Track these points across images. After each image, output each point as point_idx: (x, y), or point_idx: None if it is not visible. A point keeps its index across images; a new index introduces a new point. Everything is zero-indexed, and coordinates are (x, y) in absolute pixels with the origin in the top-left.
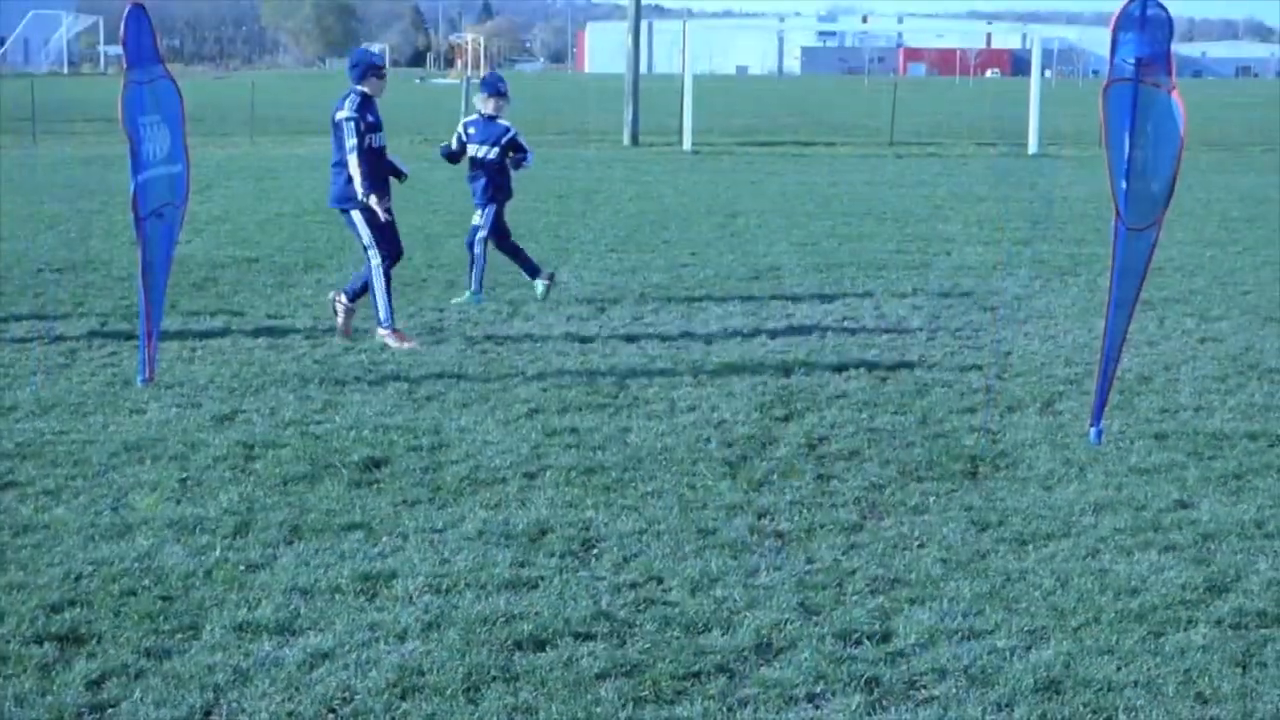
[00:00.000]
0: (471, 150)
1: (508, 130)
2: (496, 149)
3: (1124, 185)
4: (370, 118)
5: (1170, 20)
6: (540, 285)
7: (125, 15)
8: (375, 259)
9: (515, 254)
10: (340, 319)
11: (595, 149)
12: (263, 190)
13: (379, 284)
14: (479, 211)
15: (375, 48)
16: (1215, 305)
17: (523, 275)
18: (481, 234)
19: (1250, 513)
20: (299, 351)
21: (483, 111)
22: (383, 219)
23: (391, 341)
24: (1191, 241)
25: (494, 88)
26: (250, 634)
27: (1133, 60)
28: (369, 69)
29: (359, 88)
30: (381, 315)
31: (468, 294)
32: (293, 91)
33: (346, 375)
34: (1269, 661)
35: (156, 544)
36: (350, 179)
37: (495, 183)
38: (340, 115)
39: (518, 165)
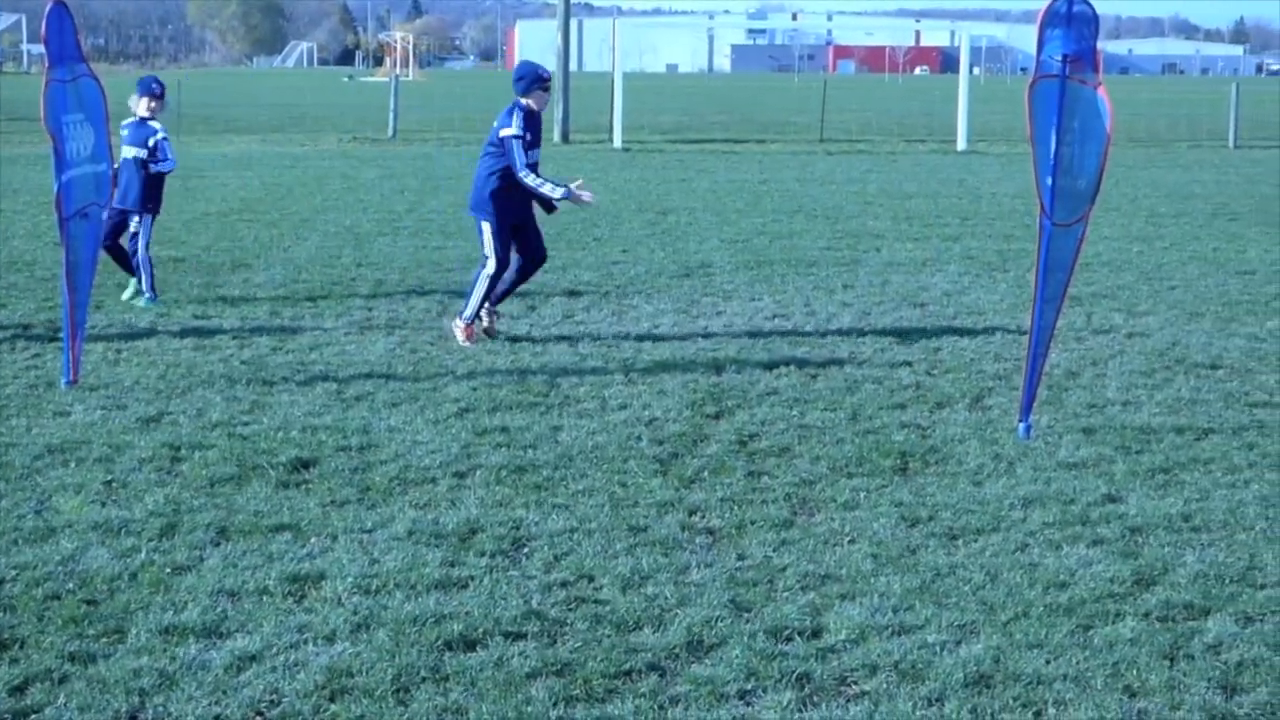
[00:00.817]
0: (123, 152)
1: (155, 132)
2: (145, 150)
3: (1050, 181)
4: (530, 135)
5: (1096, 17)
6: (132, 292)
7: (46, 13)
8: (490, 267)
9: (120, 256)
10: (486, 322)
11: None
12: (189, 189)
13: (482, 287)
14: (134, 219)
15: (305, 45)
16: (1142, 300)
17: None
18: (142, 246)
19: (1177, 506)
20: (226, 352)
21: (136, 113)
22: (588, 200)
23: (459, 335)
24: (1119, 237)
25: (147, 88)
26: (176, 637)
27: (1059, 57)
28: (535, 81)
29: (524, 101)
30: (466, 311)
31: (143, 299)
32: (219, 90)
33: (274, 376)
34: (1196, 654)
35: (81, 547)
36: (495, 190)
37: (147, 189)
38: (506, 133)
39: (152, 167)
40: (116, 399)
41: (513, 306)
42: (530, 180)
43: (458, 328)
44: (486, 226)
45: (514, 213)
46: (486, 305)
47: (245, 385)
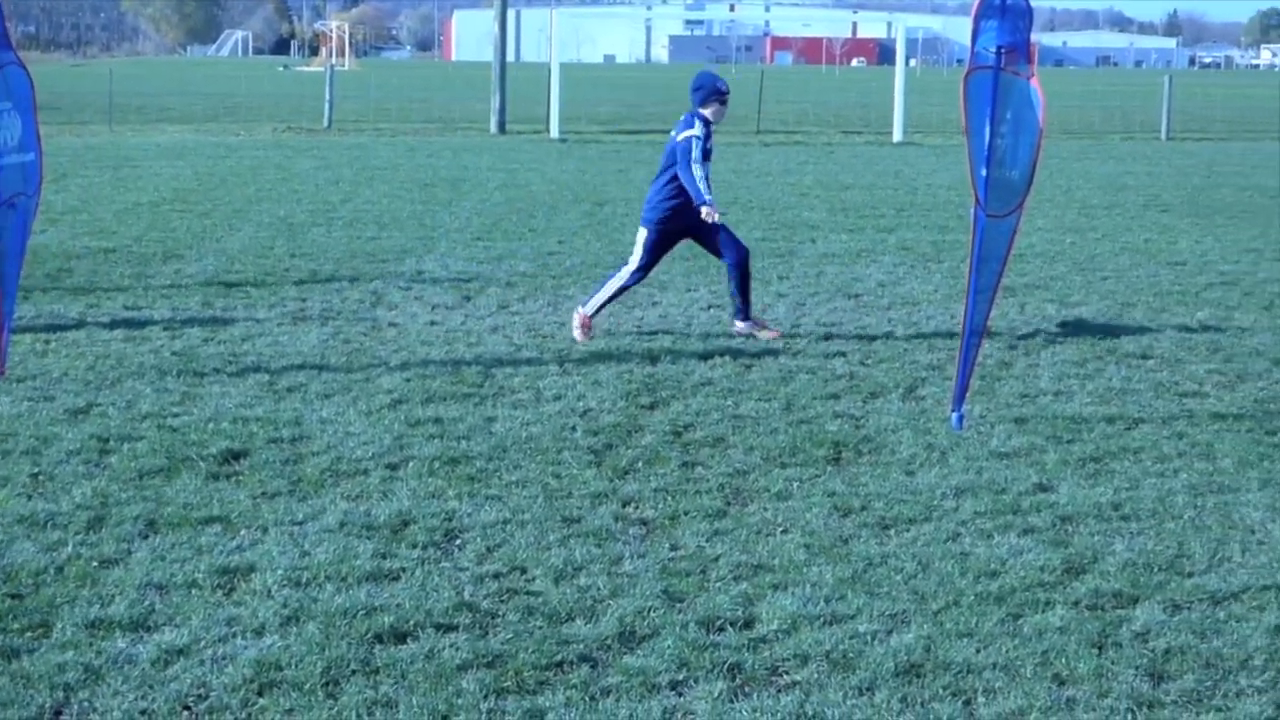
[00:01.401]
0: None
1: None
2: None
3: (984, 173)
4: (708, 144)
5: (1030, 9)
6: None
7: None
8: (629, 274)
9: None
10: (766, 331)
11: (463, 136)
12: (120, 179)
13: (613, 286)
14: None
15: (239, 34)
16: (1075, 291)
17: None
18: None
19: (1108, 495)
20: (157, 343)
21: None
22: (716, 219)
23: (577, 330)
24: (1052, 228)
25: None
26: (103, 631)
27: (994, 49)
28: (713, 94)
29: (702, 112)
30: (590, 306)
31: None
32: (153, 79)
33: (206, 367)
34: (1124, 642)
35: (6, 540)
36: (668, 204)
37: None
38: (689, 133)
39: None
40: (44, 390)
41: (446, 297)
42: (696, 173)
43: (579, 320)
44: (644, 234)
45: (678, 228)
46: (752, 320)
47: (176, 376)
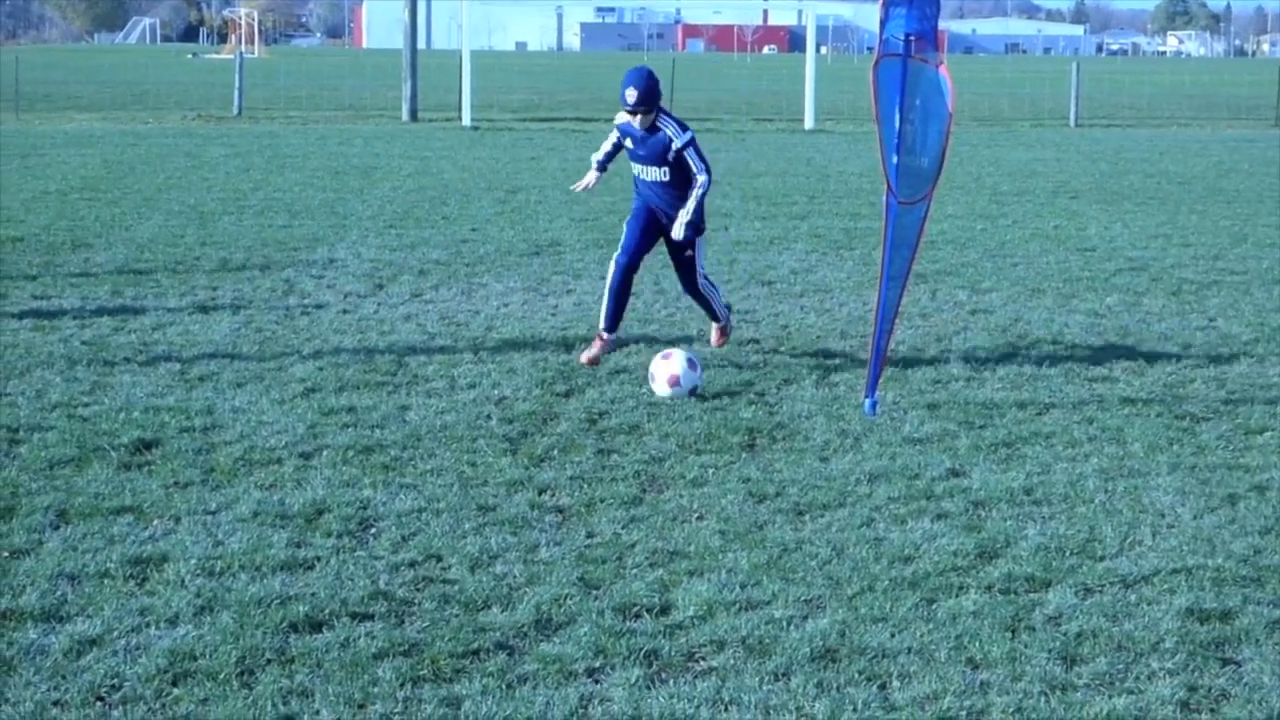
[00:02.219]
0: None
1: None
2: None
3: (895, 160)
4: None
5: None
6: None
7: None
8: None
9: None
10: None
11: (374, 124)
12: (28, 168)
13: (712, 290)
14: None
15: (147, 21)
16: (986, 277)
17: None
18: None
19: (1020, 480)
20: (66, 332)
21: None
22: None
23: (716, 336)
24: (963, 215)
25: None
26: (14, 622)
27: (902, 36)
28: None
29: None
30: (719, 316)
31: None
32: (59, 67)
33: (116, 356)
34: (1036, 625)
35: None
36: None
37: None
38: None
39: None
40: None
41: (359, 285)
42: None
43: (715, 333)
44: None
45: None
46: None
47: (86, 366)
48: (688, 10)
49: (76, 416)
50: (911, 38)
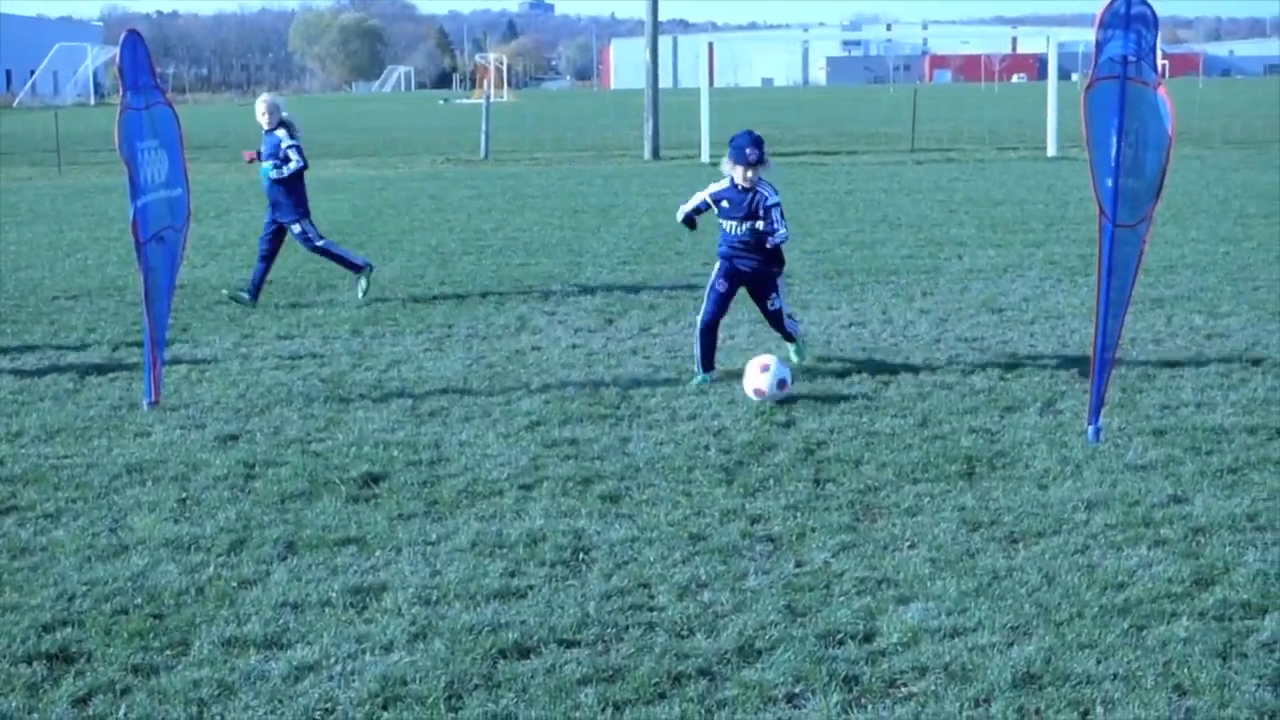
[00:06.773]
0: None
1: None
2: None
3: (1111, 183)
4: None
5: (1155, 17)
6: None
7: (121, 43)
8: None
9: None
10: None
11: (616, 164)
12: None
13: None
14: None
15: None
16: (1225, 301)
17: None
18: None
19: (1243, 506)
20: (306, 371)
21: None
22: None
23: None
24: (1206, 239)
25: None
26: (238, 649)
27: (1119, 58)
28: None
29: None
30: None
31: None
32: (318, 116)
33: (352, 393)
34: (1249, 652)
35: (151, 563)
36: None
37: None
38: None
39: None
40: (196, 418)
41: (589, 320)
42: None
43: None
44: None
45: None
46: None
47: (323, 403)
48: (935, 40)
49: (310, 452)
50: (1128, 59)
